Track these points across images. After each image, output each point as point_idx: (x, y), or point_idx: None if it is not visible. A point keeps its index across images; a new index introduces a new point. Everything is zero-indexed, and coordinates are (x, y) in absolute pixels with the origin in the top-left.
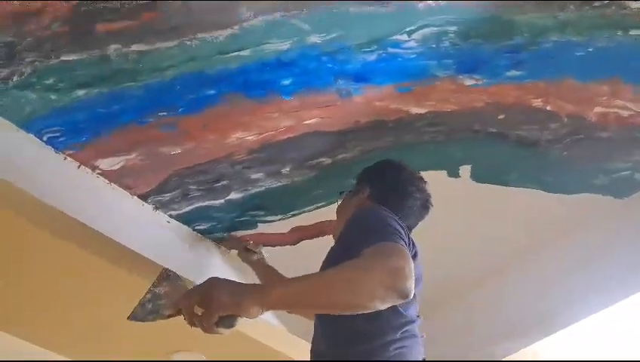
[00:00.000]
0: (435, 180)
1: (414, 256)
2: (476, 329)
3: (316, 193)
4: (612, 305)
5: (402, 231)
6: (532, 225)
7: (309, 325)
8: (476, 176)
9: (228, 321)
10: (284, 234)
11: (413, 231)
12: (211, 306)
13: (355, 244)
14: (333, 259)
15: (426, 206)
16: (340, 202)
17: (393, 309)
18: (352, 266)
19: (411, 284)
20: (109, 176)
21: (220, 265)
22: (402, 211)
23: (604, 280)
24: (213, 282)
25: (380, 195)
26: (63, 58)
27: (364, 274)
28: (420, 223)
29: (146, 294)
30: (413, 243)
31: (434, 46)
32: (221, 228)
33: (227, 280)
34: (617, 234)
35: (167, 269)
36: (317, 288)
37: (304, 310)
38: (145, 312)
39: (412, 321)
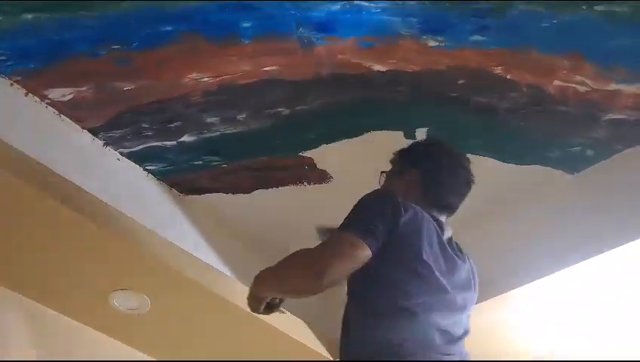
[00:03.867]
0: (390, 140)
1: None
2: None
3: (272, 143)
4: (550, 274)
5: (386, 221)
6: (481, 193)
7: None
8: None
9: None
10: (239, 180)
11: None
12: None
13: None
14: None
15: (469, 183)
16: (382, 181)
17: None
18: (294, 256)
19: (321, 268)
20: (59, 106)
21: (167, 206)
22: (450, 191)
23: (546, 251)
24: None
25: (430, 177)
26: None
27: (295, 263)
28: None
29: None
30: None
31: (400, 2)
32: (173, 170)
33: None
34: (564, 207)
35: None
36: (270, 277)
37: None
38: None
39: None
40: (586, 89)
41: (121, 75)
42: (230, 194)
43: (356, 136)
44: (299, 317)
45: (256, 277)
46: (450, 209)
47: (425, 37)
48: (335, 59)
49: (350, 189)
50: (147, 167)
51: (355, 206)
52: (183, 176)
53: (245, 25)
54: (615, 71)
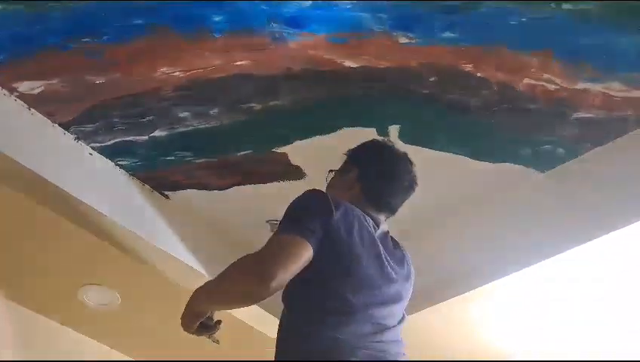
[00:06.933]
0: (362, 137)
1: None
2: None
3: (245, 138)
4: (524, 268)
5: (321, 219)
6: (453, 190)
7: None
8: (404, 137)
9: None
10: (212, 175)
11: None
12: None
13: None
14: None
15: (412, 186)
16: (328, 180)
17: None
18: (236, 263)
19: (269, 270)
20: (29, 100)
21: (139, 202)
22: (389, 193)
23: (517, 247)
24: None
25: (368, 177)
26: None
27: (238, 270)
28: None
29: None
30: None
31: None
32: (145, 165)
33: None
34: (535, 205)
35: None
36: (213, 287)
37: (215, 307)
38: None
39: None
40: (555, 87)
41: (91, 68)
42: (204, 191)
43: (329, 133)
44: (275, 316)
45: (197, 289)
46: (388, 210)
47: (396, 33)
48: (307, 54)
49: (323, 186)
50: (119, 162)
51: (289, 208)
52: (156, 172)
53: (216, 19)
54: (583, 69)
